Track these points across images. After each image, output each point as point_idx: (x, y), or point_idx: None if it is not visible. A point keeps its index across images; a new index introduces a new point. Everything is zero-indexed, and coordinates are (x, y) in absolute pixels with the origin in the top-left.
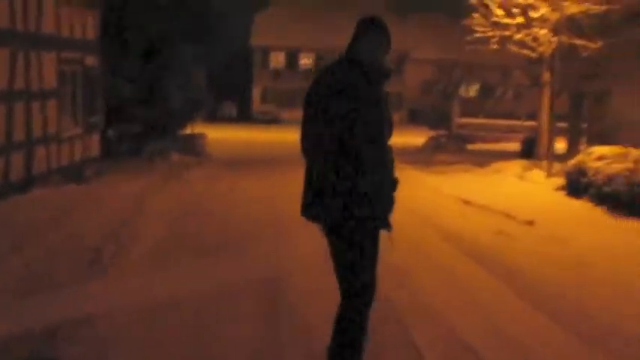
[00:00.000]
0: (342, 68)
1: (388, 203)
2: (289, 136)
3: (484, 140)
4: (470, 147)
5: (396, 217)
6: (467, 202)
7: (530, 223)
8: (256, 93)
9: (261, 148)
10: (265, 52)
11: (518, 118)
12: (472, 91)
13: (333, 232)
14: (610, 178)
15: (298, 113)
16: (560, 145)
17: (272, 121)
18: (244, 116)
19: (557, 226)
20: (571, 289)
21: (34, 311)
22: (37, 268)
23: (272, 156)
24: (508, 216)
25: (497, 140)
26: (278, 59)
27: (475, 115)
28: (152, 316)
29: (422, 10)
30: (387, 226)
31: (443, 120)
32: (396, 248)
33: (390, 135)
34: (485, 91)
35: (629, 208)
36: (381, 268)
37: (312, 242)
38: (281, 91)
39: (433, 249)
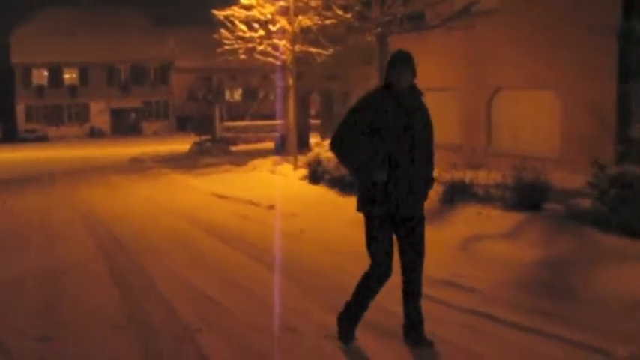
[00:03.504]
0: (378, 91)
1: (419, 195)
2: (58, 154)
3: (247, 141)
4: (234, 149)
5: (156, 214)
6: (221, 197)
7: (272, 207)
8: (20, 111)
9: (32, 166)
10: (27, 68)
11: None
12: (237, 95)
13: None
14: (338, 166)
15: (66, 130)
16: (316, 140)
17: (39, 139)
18: (10, 136)
19: (292, 207)
20: (288, 249)
21: None
22: None
23: (42, 173)
24: (254, 204)
25: (261, 140)
26: (41, 75)
27: (241, 118)
28: None
29: (182, 24)
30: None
31: (208, 125)
32: None
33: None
34: (249, 94)
35: (353, 188)
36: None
37: (77, 242)
38: (47, 108)
39: (185, 234)
